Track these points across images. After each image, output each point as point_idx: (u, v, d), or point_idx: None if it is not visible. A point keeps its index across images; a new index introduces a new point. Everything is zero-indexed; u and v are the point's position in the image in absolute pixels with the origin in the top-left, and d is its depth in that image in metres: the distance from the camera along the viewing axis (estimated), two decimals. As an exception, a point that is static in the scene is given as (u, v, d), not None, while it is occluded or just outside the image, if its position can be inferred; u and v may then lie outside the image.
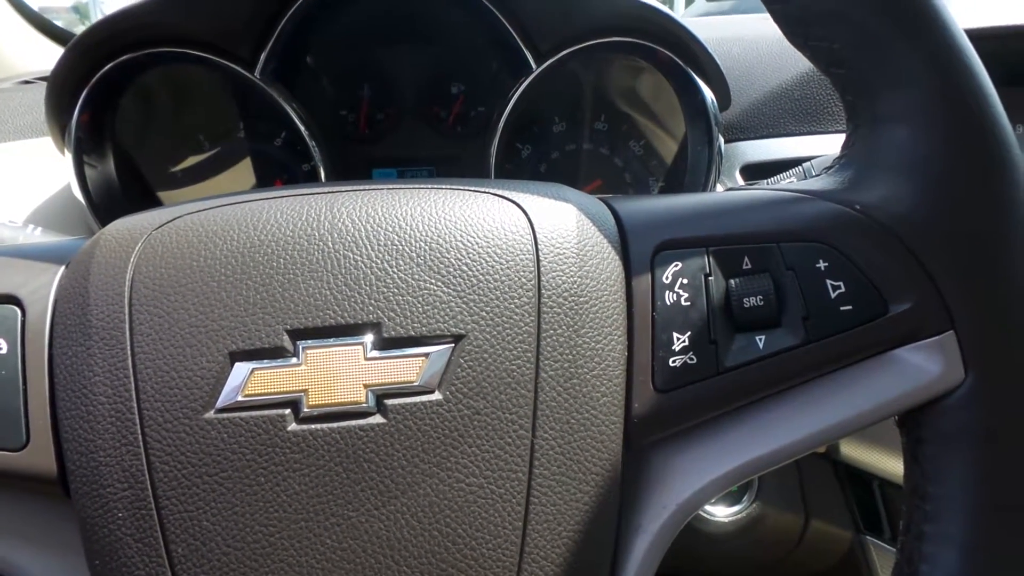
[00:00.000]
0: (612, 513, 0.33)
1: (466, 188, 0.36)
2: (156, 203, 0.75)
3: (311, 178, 0.75)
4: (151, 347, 0.31)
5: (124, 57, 0.62)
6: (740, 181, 0.73)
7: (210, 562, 0.31)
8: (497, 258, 0.33)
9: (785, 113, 0.74)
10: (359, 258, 0.32)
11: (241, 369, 0.31)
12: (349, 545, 0.31)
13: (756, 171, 0.73)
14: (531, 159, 0.80)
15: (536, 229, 0.34)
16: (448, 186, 0.36)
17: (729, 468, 0.34)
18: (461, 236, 0.33)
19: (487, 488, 0.31)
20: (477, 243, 0.33)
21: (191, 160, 0.76)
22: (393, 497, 0.31)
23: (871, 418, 0.33)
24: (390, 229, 0.33)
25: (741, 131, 0.74)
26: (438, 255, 0.33)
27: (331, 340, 0.31)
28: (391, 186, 0.36)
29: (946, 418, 0.32)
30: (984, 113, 0.33)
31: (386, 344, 0.31)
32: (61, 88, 0.62)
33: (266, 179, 0.78)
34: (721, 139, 0.69)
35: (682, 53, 0.66)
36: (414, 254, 0.33)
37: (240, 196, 0.36)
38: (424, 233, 0.33)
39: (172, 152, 0.76)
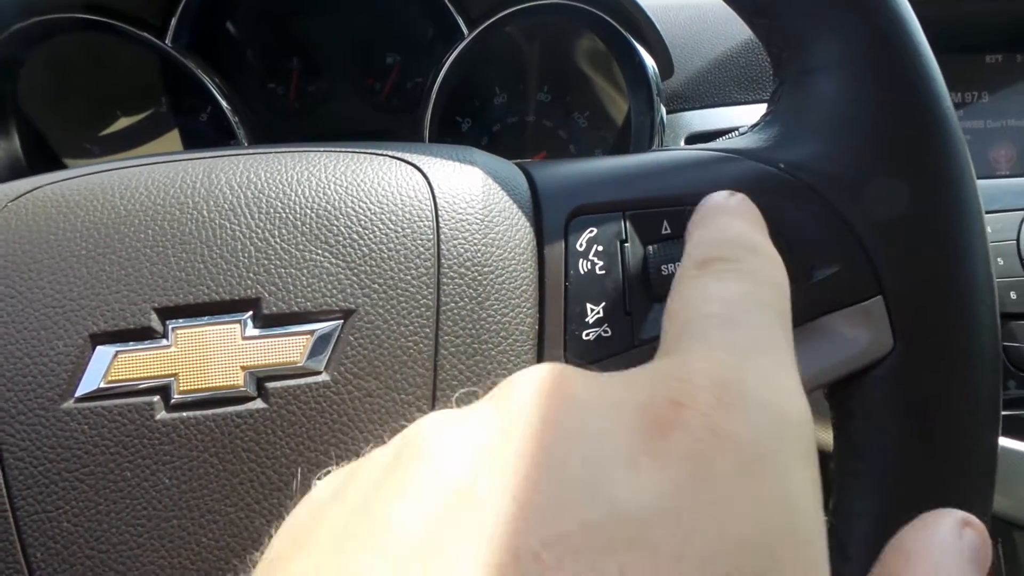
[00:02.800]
0: None
1: (362, 151, 0.33)
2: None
3: None
4: (3, 331, 0.28)
5: (17, 26, 0.57)
6: (685, 152, 0.71)
7: (73, 567, 0.27)
8: (392, 225, 0.30)
9: (731, 81, 0.71)
10: (237, 228, 0.29)
11: (103, 353, 0.28)
12: (227, 543, 0.28)
13: (701, 140, 0.70)
14: (471, 132, 0.76)
15: (436, 194, 0.31)
16: (342, 149, 0.33)
17: None
18: (352, 202, 0.30)
19: None
20: (370, 209, 0.30)
21: (109, 136, 0.72)
22: (276, 489, 0.28)
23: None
24: (273, 195, 0.30)
25: (686, 100, 0.72)
26: (326, 223, 0.30)
27: (204, 319, 0.28)
28: (280, 150, 0.33)
29: (875, 390, 0.30)
30: (915, 64, 0.30)
31: (266, 321, 0.28)
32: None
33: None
34: (663, 109, 0.66)
35: (621, 18, 0.63)
36: (299, 222, 0.30)
37: (112, 164, 0.32)
38: (311, 199, 0.30)
39: (88, 128, 0.71)
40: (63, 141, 0.69)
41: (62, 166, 0.69)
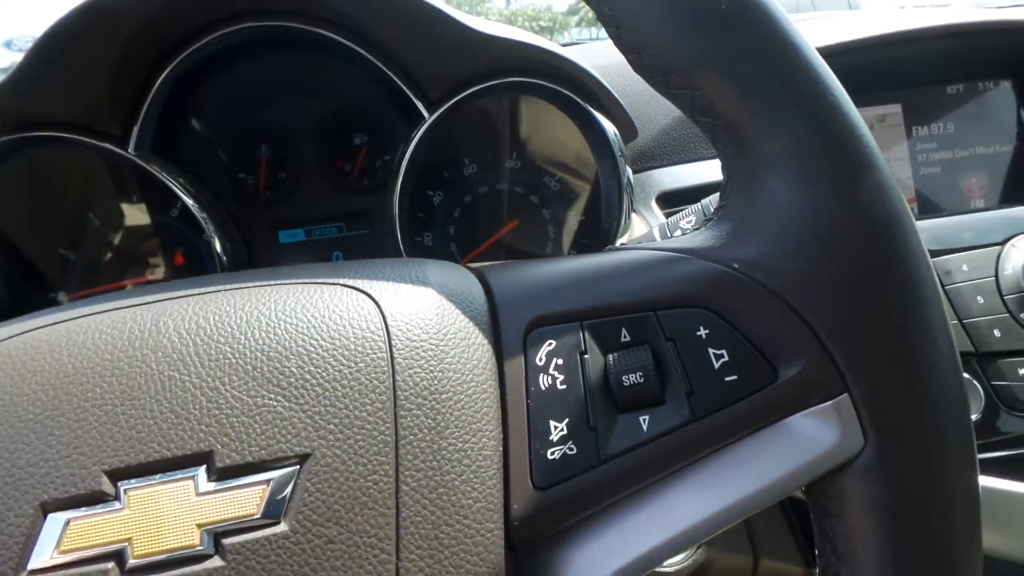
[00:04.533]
0: None
1: (310, 280, 0.32)
2: (45, 290, 0.70)
3: (210, 249, 0.71)
4: None
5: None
6: (657, 211, 0.71)
7: None
8: (345, 361, 0.30)
9: (695, 137, 0.72)
10: (186, 378, 0.29)
11: (55, 521, 0.27)
12: None
13: (672, 199, 0.71)
14: (443, 205, 0.76)
15: (389, 322, 0.31)
16: (290, 279, 0.33)
17: (632, 558, 0.31)
18: (303, 340, 0.30)
19: None
20: (321, 347, 0.30)
21: (83, 240, 0.72)
22: None
23: (773, 494, 0.30)
24: (222, 341, 0.30)
25: (653, 158, 0.72)
26: (277, 365, 0.29)
27: (157, 477, 0.28)
28: (229, 286, 0.32)
29: (851, 489, 0.30)
30: (860, 157, 0.30)
31: (221, 474, 0.28)
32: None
33: (166, 252, 0.74)
34: (629, 171, 0.66)
35: (578, 90, 0.64)
36: (250, 367, 0.29)
37: (56, 314, 0.32)
38: (261, 342, 0.30)
39: (59, 235, 0.71)
40: (37, 249, 0.69)
41: (38, 276, 0.69)
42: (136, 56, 0.58)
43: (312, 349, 0.30)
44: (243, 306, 0.31)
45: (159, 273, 0.74)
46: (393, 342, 0.30)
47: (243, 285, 0.33)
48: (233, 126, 0.73)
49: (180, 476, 0.28)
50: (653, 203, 0.71)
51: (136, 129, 0.61)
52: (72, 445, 0.28)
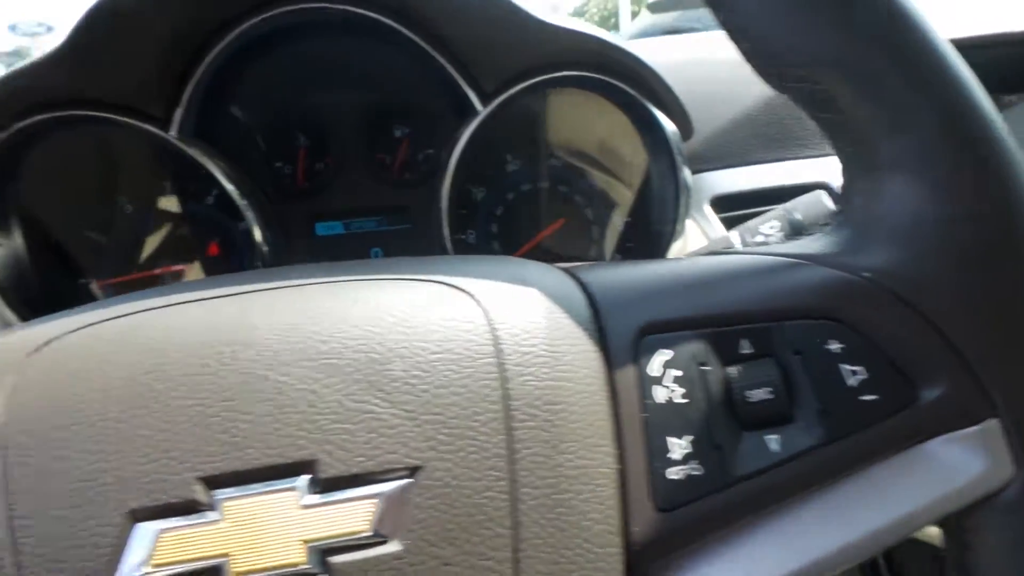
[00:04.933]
0: None
1: (405, 276, 0.30)
2: (75, 277, 0.68)
3: (248, 238, 0.69)
4: (32, 509, 0.25)
5: (19, 124, 0.55)
6: (710, 215, 0.69)
7: None
8: (451, 365, 0.27)
9: (751, 139, 0.70)
10: (283, 379, 0.26)
11: (145, 531, 0.25)
12: None
13: (727, 203, 0.69)
14: (486, 203, 0.74)
15: (495, 324, 0.28)
16: (383, 275, 0.30)
17: None
18: (405, 341, 0.28)
19: None
20: (425, 348, 0.27)
21: (115, 226, 0.69)
22: None
23: (911, 525, 0.28)
24: (319, 339, 0.27)
25: (706, 161, 0.70)
26: (379, 368, 0.27)
27: (256, 486, 0.25)
28: (313, 280, 0.30)
29: (995, 523, 0.27)
30: (1000, 155, 0.28)
31: (326, 486, 0.26)
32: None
33: (200, 241, 0.71)
34: (687, 172, 0.64)
35: (637, 85, 0.62)
36: (350, 369, 0.27)
37: (132, 303, 0.30)
38: (360, 341, 0.27)
39: (91, 219, 0.69)
40: (68, 233, 0.67)
41: (70, 262, 0.67)
42: (183, 35, 0.56)
43: (416, 351, 0.27)
44: (337, 302, 0.29)
45: (193, 262, 0.71)
46: (501, 347, 0.28)
47: (330, 280, 0.30)
48: (272, 113, 0.71)
49: (282, 487, 0.25)
50: (706, 207, 0.69)
51: (179, 112, 0.59)
52: (161, 447, 0.26)
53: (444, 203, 0.65)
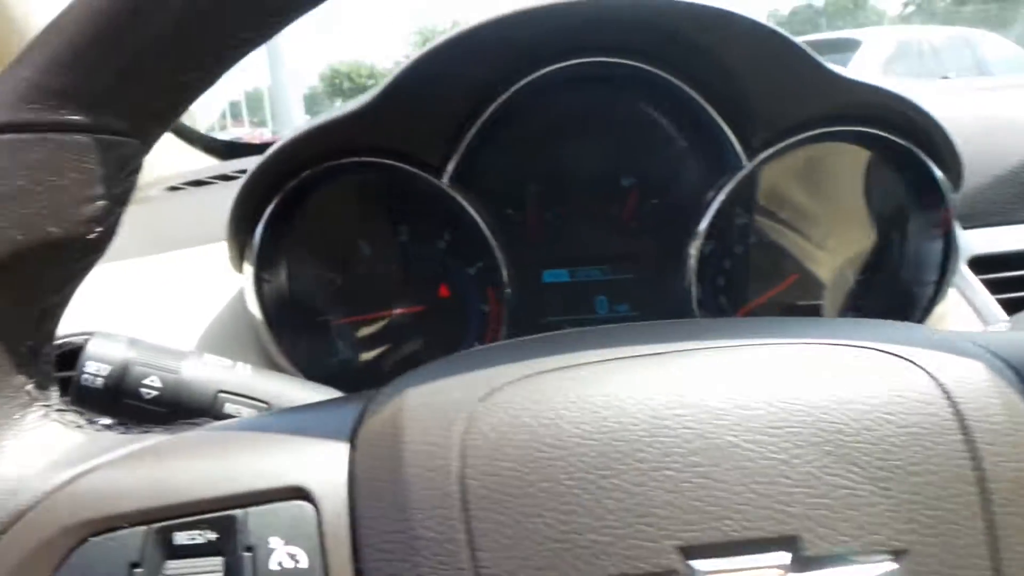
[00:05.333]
0: None
1: (836, 343, 0.29)
2: (321, 316, 0.70)
3: (478, 282, 0.70)
4: (501, 570, 0.25)
5: (315, 168, 0.58)
6: (968, 275, 0.65)
7: None
8: (918, 441, 0.26)
9: (1017, 198, 0.66)
10: (755, 450, 0.26)
11: None
12: None
13: (989, 264, 0.65)
14: (714, 255, 0.73)
15: (955, 399, 0.27)
16: (808, 339, 0.29)
17: None
18: (867, 414, 0.26)
19: None
20: (889, 422, 0.26)
21: (354, 269, 0.72)
22: None
23: None
24: (784, 409, 0.26)
25: (964, 218, 0.66)
26: (849, 442, 0.26)
27: (735, 559, 0.24)
28: (733, 342, 0.29)
29: None
30: None
31: (808, 564, 0.24)
32: (247, 201, 0.58)
33: (429, 284, 0.73)
34: (959, 228, 0.61)
35: (919, 140, 0.59)
36: (821, 442, 0.26)
37: (554, 357, 0.29)
38: (827, 412, 0.26)
39: (335, 258, 0.71)
40: (316, 273, 0.70)
41: (313, 297, 0.69)
42: (473, 89, 0.57)
43: (880, 425, 0.26)
44: (779, 369, 0.28)
45: (423, 304, 0.73)
46: (966, 422, 0.26)
47: (748, 342, 0.30)
48: (514, 161, 0.72)
49: (764, 563, 0.24)
50: (964, 267, 0.65)
51: (456, 159, 0.60)
52: (634, 512, 0.25)
53: (693, 261, 0.64)
